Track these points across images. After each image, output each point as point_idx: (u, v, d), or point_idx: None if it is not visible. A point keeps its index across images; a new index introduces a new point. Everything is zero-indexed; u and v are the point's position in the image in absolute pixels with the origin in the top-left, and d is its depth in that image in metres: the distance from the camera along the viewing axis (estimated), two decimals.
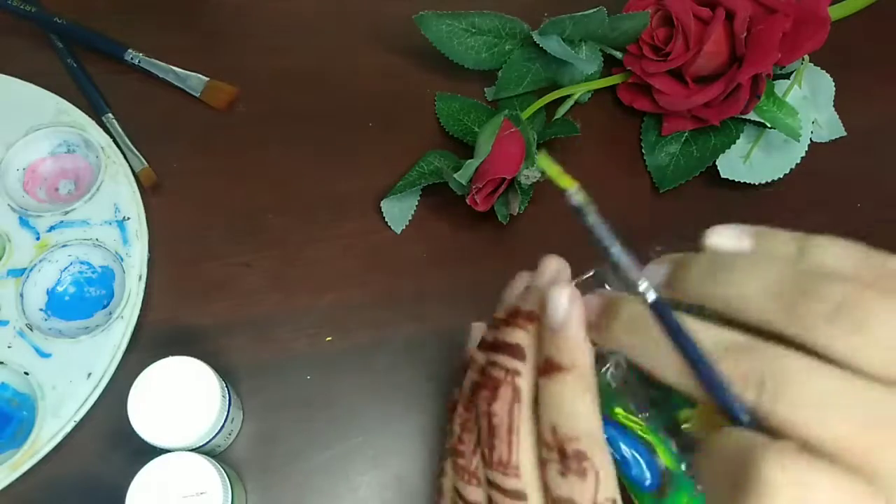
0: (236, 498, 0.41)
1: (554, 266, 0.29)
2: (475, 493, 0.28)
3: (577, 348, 0.25)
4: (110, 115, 0.52)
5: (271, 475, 0.45)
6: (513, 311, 0.28)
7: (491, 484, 0.27)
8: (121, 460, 0.44)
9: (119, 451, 0.44)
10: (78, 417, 0.44)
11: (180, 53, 0.54)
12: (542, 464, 0.26)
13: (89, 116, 0.51)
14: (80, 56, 0.54)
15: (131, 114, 0.52)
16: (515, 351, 0.27)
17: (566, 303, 0.25)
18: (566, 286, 0.26)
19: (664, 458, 0.31)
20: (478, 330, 0.33)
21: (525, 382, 0.26)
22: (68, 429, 0.44)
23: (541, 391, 0.26)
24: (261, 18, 0.57)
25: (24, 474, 0.43)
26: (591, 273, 0.32)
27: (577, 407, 0.25)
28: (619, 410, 0.31)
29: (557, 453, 0.25)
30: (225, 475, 0.39)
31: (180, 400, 0.40)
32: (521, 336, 0.27)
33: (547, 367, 0.26)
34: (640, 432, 0.31)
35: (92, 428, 0.45)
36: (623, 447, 0.32)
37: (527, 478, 0.26)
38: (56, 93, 0.51)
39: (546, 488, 0.26)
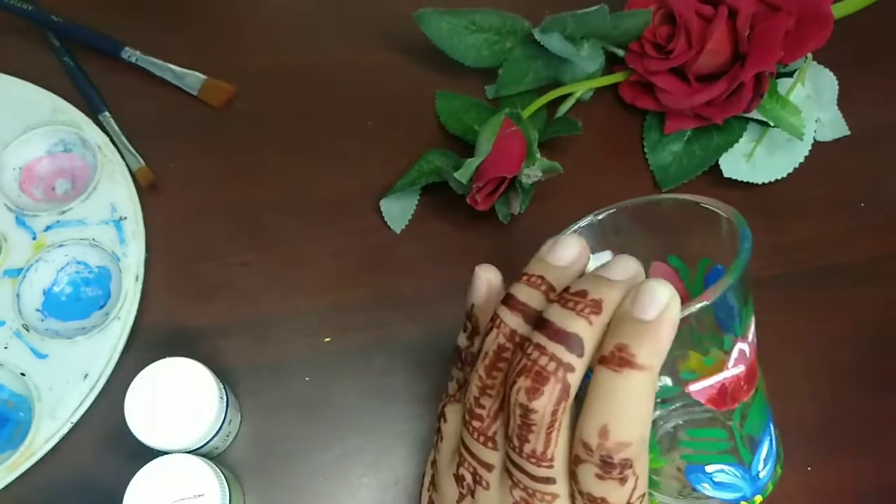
0: (234, 500, 0.40)
1: (632, 266, 0.26)
2: (491, 455, 0.26)
3: (661, 351, 0.23)
4: (107, 113, 0.52)
5: (269, 477, 0.45)
6: (579, 291, 0.24)
7: (516, 465, 0.25)
8: (118, 462, 0.44)
9: (116, 453, 0.44)
10: (75, 419, 0.44)
11: (177, 51, 0.54)
12: (575, 459, 0.24)
13: (86, 115, 0.51)
14: (76, 54, 0.53)
15: (128, 112, 0.52)
16: (573, 343, 0.23)
17: (667, 300, 0.23)
18: (666, 283, 0.23)
19: None
20: (484, 279, 0.30)
21: (576, 379, 0.24)
22: (65, 430, 0.44)
23: (598, 383, 0.23)
24: (259, 16, 0.57)
25: (21, 476, 0.43)
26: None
27: (640, 410, 0.23)
28: None
29: (599, 459, 0.23)
30: (223, 477, 0.39)
31: (178, 401, 0.39)
32: (582, 327, 0.24)
33: (616, 359, 0.23)
34: None
35: (89, 430, 0.45)
36: None
37: (559, 467, 0.25)
38: (52, 91, 0.51)
39: (574, 478, 0.24)
